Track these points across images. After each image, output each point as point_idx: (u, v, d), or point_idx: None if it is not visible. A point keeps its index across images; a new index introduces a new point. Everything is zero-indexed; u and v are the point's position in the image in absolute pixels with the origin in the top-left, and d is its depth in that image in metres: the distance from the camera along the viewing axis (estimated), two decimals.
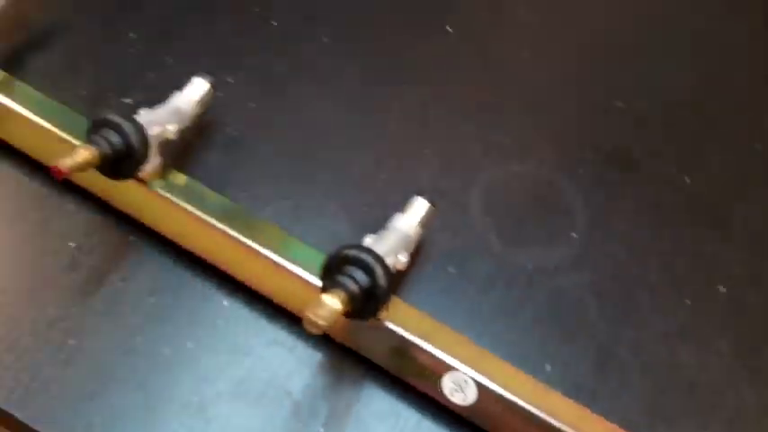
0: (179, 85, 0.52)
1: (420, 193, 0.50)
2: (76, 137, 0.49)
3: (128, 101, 0.55)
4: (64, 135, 0.50)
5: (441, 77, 0.59)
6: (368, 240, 0.46)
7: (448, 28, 0.61)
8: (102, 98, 0.55)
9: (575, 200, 0.55)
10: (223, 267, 0.49)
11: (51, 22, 0.58)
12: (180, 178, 0.50)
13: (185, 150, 0.53)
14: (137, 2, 0.60)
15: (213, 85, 0.53)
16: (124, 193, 0.50)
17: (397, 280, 0.45)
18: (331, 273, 0.44)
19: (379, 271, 0.42)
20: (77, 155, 0.45)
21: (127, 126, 0.46)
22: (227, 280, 0.49)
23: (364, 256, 0.43)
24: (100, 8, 0.59)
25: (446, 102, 0.58)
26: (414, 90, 0.58)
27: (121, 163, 0.47)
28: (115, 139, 0.46)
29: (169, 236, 0.50)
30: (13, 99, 0.50)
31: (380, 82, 0.58)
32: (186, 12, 0.59)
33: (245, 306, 0.48)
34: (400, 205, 0.50)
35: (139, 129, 0.47)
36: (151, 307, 0.48)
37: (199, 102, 0.52)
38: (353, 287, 0.42)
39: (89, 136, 0.47)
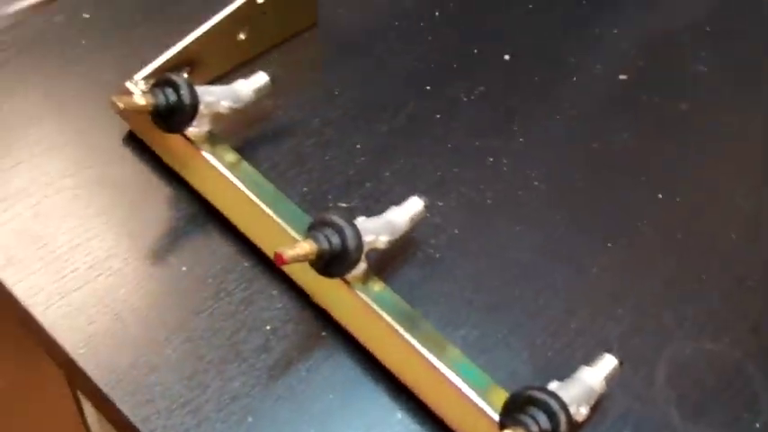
0: (393, 199, 0.56)
1: (608, 350, 0.50)
2: (295, 229, 0.53)
3: (344, 205, 0.58)
4: (284, 225, 0.53)
5: (645, 239, 0.60)
6: (553, 386, 0.47)
7: (659, 195, 0.62)
8: (321, 198, 0.58)
9: (763, 389, 0.53)
10: (403, 379, 0.50)
11: (288, 120, 0.63)
12: (378, 285, 0.52)
13: (388, 261, 0.56)
14: (368, 118, 0.64)
15: (426, 206, 0.55)
16: (326, 289, 0.52)
17: (575, 430, 0.45)
18: (513, 410, 0.44)
19: (562, 418, 0.43)
20: (300, 248, 0.48)
21: (348, 230, 0.49)
22: (404, 392, 0.50)
23: (550, 400, 0.44)
24: (335, 116, 0.64)
25: (646, 264, 0.58)
26: (617, 247, 0.59)
27: (334, 262, 0.50)
28: (335, 239, 0.49)
29: (359, 338, 0.52)
30: (241, 180, 0.55)
31: (586, 232, 0.59)
32: (413, 135, 0.63)
33: (417, 423, 0.49)
34: (586, 357, 0.50)
35: (358, 235, 0.50)
36: (329, 403, 0.50)
37: (411, 219, 0.55)
38: (535, 429, 0.43)
39: (310, 231, 0.50)
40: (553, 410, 0.43)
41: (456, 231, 0.58)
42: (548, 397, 0.43)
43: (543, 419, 0.43)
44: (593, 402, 0.48)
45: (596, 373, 0.49)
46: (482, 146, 0.63)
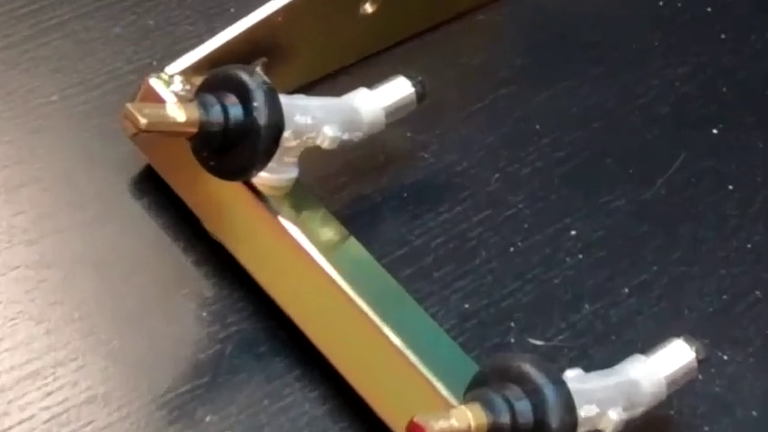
0: (634, 338, 0.59)
1: None
2: (446, 382, 0.53)
3: (537, 342, 0.60)
4: (426, 372, 0.54)
5: None
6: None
7: None
8: (496, 324, 0.60)
9: None
10: None
11: (441, 170, 0.65)
12: None
13: None
14: (592, 180, 0.66)
15: (701, 360, 0.56)
16: None
17: None
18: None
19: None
20: (459, 419, 0.48)
21: (549, 393, 0.49)
22: None
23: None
24: (531, 172, 0.65)
25: None
26: None
27: None
28: (523, 407, 0.49)
29: None
30: (348, 277, 0.56)
31: None
32: (677, 217, 0.66)
33: None
34: None
35: (568, 403, 0.49)
36: None
37: (670, 381, 0.55)
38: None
39: (475, 390, 0.50)
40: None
41: (753, 413, 0.59)
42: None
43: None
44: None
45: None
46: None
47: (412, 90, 0.62)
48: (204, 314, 0.59)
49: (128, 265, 0.60)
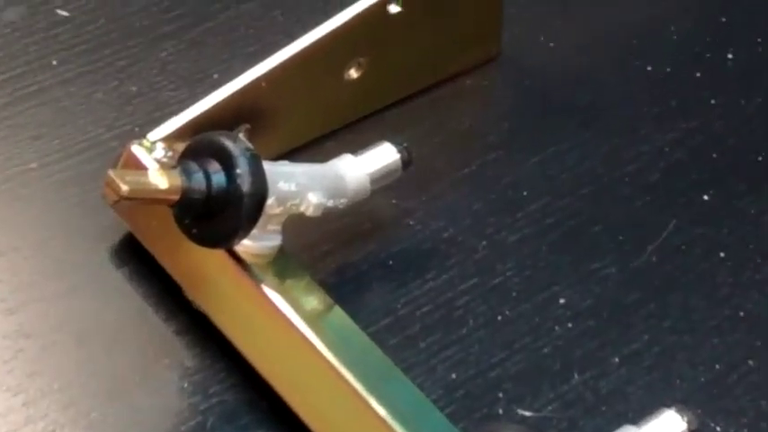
0: (622, 409, 0.58)
1: None
2: None
3: (526, 413, 0.59)
4: None
5: None
6: None
7: None
8: (484, 394, 0.60)
9: None
10: None
11: (427, 238, 0.64)
12: None
13: None
14: (581, 248, 0.65)
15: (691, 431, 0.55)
16: None
17: None
18: None
19: None
20: None
21: None
22: None
23: None
24: (518, 240, 0.65)
25: None
26: None
27: None
28: None
29: None
30: (333, 349, 0.55)
31: None
32: (671, 287, 0.65)
33: None
34: None
35: None
36: None
37: None
38: None
39: None
40: None
41: None
42: None
43: None
44: None
45: None
46: None
47: (397, 156, 0.62)
48: (186, 385, 0.58)
49: (108, 336, 0.59)
